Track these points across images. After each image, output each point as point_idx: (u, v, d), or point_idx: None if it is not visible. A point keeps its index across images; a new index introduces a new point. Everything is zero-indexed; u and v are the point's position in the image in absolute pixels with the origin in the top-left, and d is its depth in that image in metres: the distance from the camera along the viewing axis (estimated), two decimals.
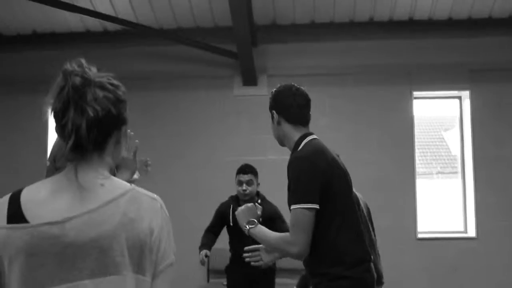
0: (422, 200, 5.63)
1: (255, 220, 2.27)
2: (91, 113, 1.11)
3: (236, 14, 4.71)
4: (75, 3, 5.20)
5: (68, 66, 1.17)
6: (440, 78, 5.45)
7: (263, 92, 5.52)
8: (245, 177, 3.83)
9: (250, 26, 5.10)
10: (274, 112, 2.28)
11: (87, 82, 1.14)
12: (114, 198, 1.14)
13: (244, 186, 3.80)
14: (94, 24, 5.63)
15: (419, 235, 5.40)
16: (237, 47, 5.16)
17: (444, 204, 6.60)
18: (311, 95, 6.04)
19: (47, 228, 1.08)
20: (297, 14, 5.39)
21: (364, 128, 5.47)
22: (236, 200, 3.90)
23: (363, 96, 5.50)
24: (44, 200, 1.13)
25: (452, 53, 5.40)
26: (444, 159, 9.14)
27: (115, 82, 1.21)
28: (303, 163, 2.10)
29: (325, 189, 2.07)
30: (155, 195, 1.22)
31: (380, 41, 5.44)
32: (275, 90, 2.37)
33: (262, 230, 2.23)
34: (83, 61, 1.20)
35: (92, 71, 1.18)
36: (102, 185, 1.16)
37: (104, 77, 1.19)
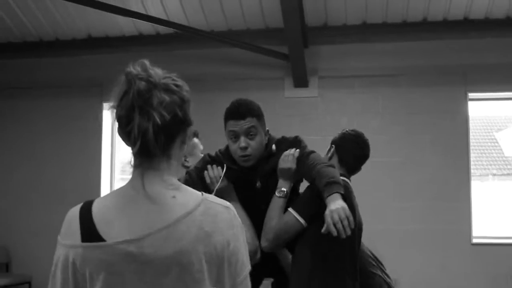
0: (477, 203, 5.54)
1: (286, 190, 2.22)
2: (158, 119, 1.08)
3: (288, 15, 4.76)
4: (128, 8, 5.37)
5: (131, 69, 1.13)
6: (497, 79, 5.34)
7: (314, 93, 5.57)
8: (241, 125, 2.16)
9: (302, 27, 5.14)
10: (333, 147, 2.45)
11: (152, 86, 1.11)
12: (189, 211, 1.11)
13: (243, 142, 2.17)
14: (146, 27, 5.78)
15: (474, 240, 5.31)
16: (289, 48, 5.21)
17: (499, 207, 6.46)
18: (363, 97, 6.13)
19: (124, 246, 1.07)
20: (348, 15, 5.39)
21: (417, 130, 5.42)
22: (230, 160, 2.30)
23: (416, 97, 5.45)
24: (117, 215, 1.11)
25: (510, 53, 5.29)
26: (497, 161, 8.92)
27: (179, 82, 1.18)
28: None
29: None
30: (227, 203, 1.19)
31: (434, 41, 5.38)
32: (346, 130, 2.52)
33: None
34: (146, 62, 1.16)
35: (157, 73, 1.15)
36: (173, 197, 1.13)
37: (169, 78, 1.16)
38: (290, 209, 2.16)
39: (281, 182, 2.25)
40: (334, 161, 2.41)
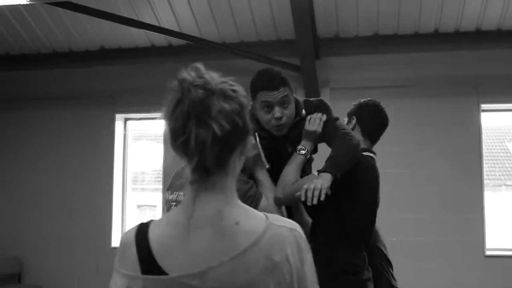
0: (490, 214, 5.52)
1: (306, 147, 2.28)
2: (217, 130, 0.99)
3: (300, 27, 4.81)
4: (141, 20, 5.44)
5: (185, 75, 1.04)
6: (509, 90, 5.35)
7: None
8: (275, 95, 2.15)
9: (313, 39, 5.18)
10: (354, 118, 2.51)
11: (209, 93, 1.02)
12: (255, 240, 1.01)
13: (278, 112, 2.17)
14: (159, 39, 5.85)
15: (488, 252, 5.29)
16: (300, 60, 5.24)
17: None
18: None
19: (187, 280, 0.99)
20: (360, 27, 5.42)
21: (429, 141, 5.42)
22: (258, 129, 2.30)
23: (428, 108, 5.46)
24: (177, 245, 1.02)
25: None
26: (510, 171, 8.88)
27: (236, 86, 1.08)
28: None
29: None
30: (292, 223, 1.10)
31: (446, 52, 5.40)
32: (363, 101, 2.60)
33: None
34: (201, 66, 1.07)
35: (213, 78, 1.05)
36: (237, 223, 1.03)
37: (225, 83, 1.06)
38: (315, 172, 2.20)
39: (304, 142, 2.30)
40: (357, 132, 2.45)
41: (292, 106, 2.23)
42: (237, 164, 1.09)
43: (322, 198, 2.00)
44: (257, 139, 2.29)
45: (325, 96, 5.63)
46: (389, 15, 5.22)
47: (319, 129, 2.29)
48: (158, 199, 7.88)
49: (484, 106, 5.46)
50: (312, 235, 2.27)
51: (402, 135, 5.48)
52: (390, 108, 5.47)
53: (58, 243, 6.03)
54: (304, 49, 5.09)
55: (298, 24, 4.83)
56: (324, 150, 2.35)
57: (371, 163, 2.40)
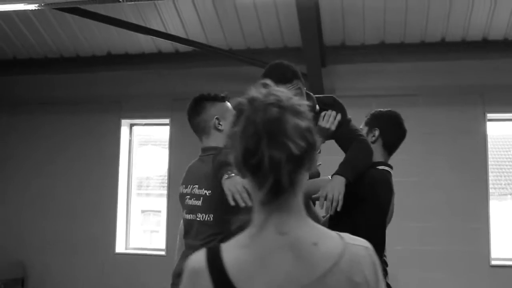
0: (496, 223, 5.50)
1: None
2: (294, 149, 0.96)
3: (306, 35, 4.83)
4: (148, 26, 5.47)
5: (256, 94, 1.00)
6: None
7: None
8: (289, 89, 2.10)
9: (320, 46, 5.19)
10: (378, 130, 2.44)
11: (283, 110, 0.98)
12: (335, 262, 0.98)
13: None
14: (166, 45, 5.88)
15: (493, 262, 5.27)
16: (307, 67, 5.26)
17: None
18: None
19: None
20: (366, 35, 5.43)
21: (436, 150, 5.42)
22: None
23: (434, 117, 5.46)
24: (256, 269, 0.97)
25: None
26: None
27: (301, 101, 1.03)
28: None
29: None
30: (364, 241, 1.07)
31: (452, 61, 5.40)
32: (384, 111, 2.54)
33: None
34: (269, 83, 1.03)
35: (284, 94, 1.01)
36: (315, 244, 1.00)
37: (293, 99, 1.02)
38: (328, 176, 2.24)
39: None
40: (378, 144, 2.42)
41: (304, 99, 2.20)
42: (304, 180, 1.06)
43: (339, 209, 2.05)
44: None
45: None
46: (396, 24, 5.24)
47: (333, 127, 2.31)
48: (163, 204, 7.89)
49: (490, 115, 5.45)
50: None
51: (408, 143, 5.44)
52: None
53: (63, 247, 6.03)
54: (311, 57, 5.11)
55: (304, 32, 4.85)
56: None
57: (386, 177, 2.38)
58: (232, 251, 1.01)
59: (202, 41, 5.57)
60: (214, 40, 5.62)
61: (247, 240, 1.02)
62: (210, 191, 2.35)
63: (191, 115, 2.52)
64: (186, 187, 2.48)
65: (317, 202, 2.39)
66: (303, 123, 0.99)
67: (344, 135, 2.30)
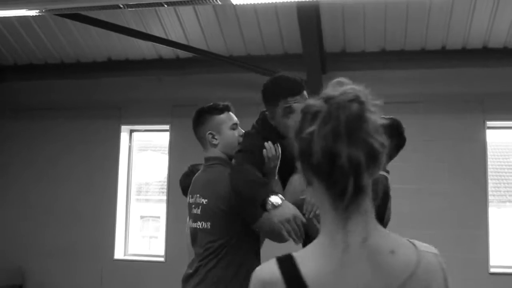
0: (495, 231, 5.50)
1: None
2: (376, 147, 0.93)
3: (307, 41, 4.84)
4: (149, 32, 5.48)
5: (332, 92, 0.96)
6: None
7: None
8: (300, 99, 2.20)
9: (320, 53, 5.21)
10: None
11: (364, 107, 0.95)
12: (413, 271, 0.96)
13: None
14: (166, 51, 5.89)
15: (492, 269, 5.27)
16: (307, 74, 5.27)
17: None
18: None
19: None
20: (367, 42, 5.46)
21: (435, 157, 5.43)
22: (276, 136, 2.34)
23: (434, 124, 5.47)
24: (334, 279, 0.93)
25: None
26: None
27: (375, 99, 0.99)
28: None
29: None
30: (432, 247, 1.05)
31: (453, 69, 5.42)
32: (387, 119, 2.50)
33: None
34: (345, 80, 1.00)
35: (361, 90, 0.98)
36: (392, 252, 0.96)
37: (369, 95, 0.98)
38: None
39: None
40: None
41: None
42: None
43: (318, 212, 2.04)
44: (279, 149, 2.30)
45: None
46: (396, 31, 5.26)
47: None
48: (162, 210, 7.89)
49: (489, 123, 5.47)
50: None
51: (408, 150, 5.45)
52: None
53: (61, 253, 6.01)
54: (311, 64, 5.12)
55: (305, 39, 4.87)
56: None
57: (383, 182, 2.41)
58: (308, 262, 0.95)
59: (203, 47, 5.59)
60: (214, 46, 5.64)
61: (322, 249, 0.97)
62: (206, 200, 2.45)
63: (193, 128, 2.62)
64: (192, 197, 2.58)
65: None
66: (379, 120, 0.96)
67: None
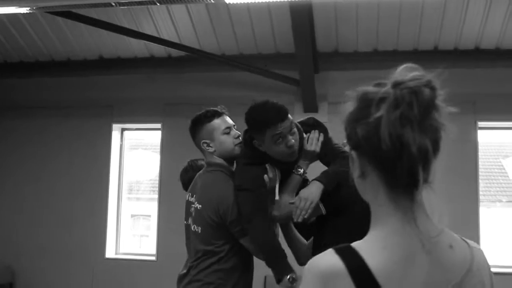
0: (485, 231, 5.53)
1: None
2: (442, 136, 0.93)
3: (300, 41, 4.84)
4: (141, 30, 5.45)
5: (402, 78, 0.93)
6: (506, 108, 5.39)
7: (324, 119, 5.55)
8: (285, 126, 2.22)
9: (313, 53, 5.21)
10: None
11: (435, 92, 0.93)
12: (469, 267, 0.95)
13: (291, 140, 2.23)
14: (158, 50, 5.86)
15: None
16: (300, 74, 5.27)
17: (507, 235, 6.46)
18: None
19: None
20: (360, 42, 5.47)
21: None
22: (274, 163, 2.38)
23: None
24: (399, 271, 0.90)
25: None
26: (504, 188, 8.94)
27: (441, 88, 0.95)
28: None
29: None
30: (475, 243, 1.04)
31: (445, 70, 5.43)
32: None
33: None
34: (413, 65, 0.97)
35: (430, 75, 0.96)
36: (451, 247, 0.96)
37: (436, 81, 0.95)
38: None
39: (301, 161, 2.38)
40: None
41: (296, 131, 2.29)
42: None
43: (306, 216, 2.17)
44: (277, 170, 2.38)
45: (323, 111, 5.66)
46: (389, 32, 5.27)
47: (318, 149, 2.36)
48: (153, 209, 7.88)
49: (481, 123, 5.50)
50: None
51: None
52: None
53: (52, 252, 5.98)
54: (303, 63, 5.12)
55: (298, 38, 4.86)
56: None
57: None
58: (372, 253, 0.91)
59: (195, 46, 5.57)
60: (206, 45, 5.62)
61: (383, 241, 0.93)
62: (201, 206, 2.51)
63: (192, 138, 2.67)
64: (191, 196, 2.63)
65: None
66: (447, 108, 0.95)
67: (328, 154, 2.38)
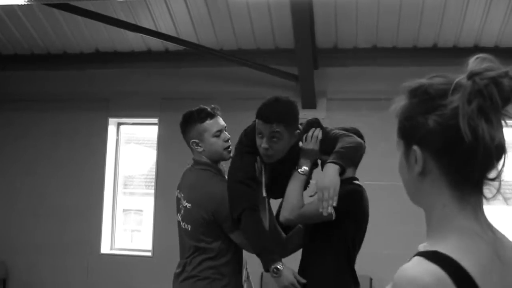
0: None
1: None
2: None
3: (300, 37, 4.89)
4: (138, 24, 5.49)
5: (477, 69, 0.92)
6: None
7: (322, 115, 5.66)
8: (267, 128, 2.27)
9: (312, 49, 5.26)
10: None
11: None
12: None
13: (265, 143, 2.29)
14: (156, 44, 5.90)
15: None
16: (299, 70, 5.33)
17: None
18: (371, 120, 6.20)
19: None
20: (359, 39, 5.53)
21: None
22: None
23: None
24: (488, 274, 0.87)
25: None
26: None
27: None
28: None
29: None
30: None
31: (444, 67, 5.47)
32: (349, 129, 2.68)
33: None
34: (487, 56, 0.95)
35: (507, 67, 0.91)
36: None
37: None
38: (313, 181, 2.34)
39: (302, 160, 2.40)
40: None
41: (283, 143, 2.30)
42: None
43: (335, 204, 2.11)
44: (262, 166, 2.44)
45: (322, 107, 5.72)
46: (388, 28, 5.33)
47: (316, 147, 2.39)
48: (145, 204, 7.95)
49: None
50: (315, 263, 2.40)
51: (393, 147, 5.55)
52: (387, 120, 5.59)
53: (47, 248, 6.02)
54: (303, 59, 5.18)
55: (298, 34, 4.91)
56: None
57: (364, 191, 2.47)
58: (463, 258, 0.86)
59: (193, 40, 5.61)
60: (205, 40, 5.66)
61: (466, 243, 0.89)
62: (190, 205, 2.57)
63: (181, 133, 2.75)
64: (179, 193, 2.70)
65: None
66: None
67: (331, 143, 2.36)
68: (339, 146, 2.30)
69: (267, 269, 2.31)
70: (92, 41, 6.01)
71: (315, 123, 2.45)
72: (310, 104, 5.68)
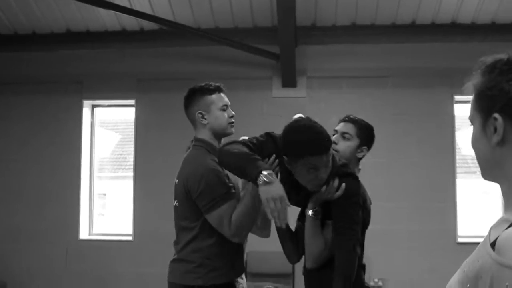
0: (462, 201, 6.00)
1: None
2: None
3: (283, 14, 5.04)
4: (111, 0, 5.51)
5: None
6: None
7: (302, 94, 5.95)
8: (323, 159, 2.24)
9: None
10: (366, 150, 2.79)
11: None
12: None
13: (324, 173, 2.30)
14: (130, 22, 6.03)
15: (459, 239, 5.81)
16: (280, 48, 5.57)
17: (484, 205, 6.96)
18: (351, 97, 6.54)
19: None
20: (338, 16, 5.80)
21: (404, 131, 5.90)
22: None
23: (403, 98, 5.92)
24: None
25: None
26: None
27: None
28: None
29: None
30: None
31: (422, 44, 5.84)
32: (370, 128, 2.85)
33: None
34: None
35: None
36: None
37: None
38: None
39: (312, 204, 2.43)
40: (356, 161, 2.70)
41: (331, 163, 2.28)
42: None
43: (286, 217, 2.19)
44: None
45: (302, 85, 6.00)
46: (367, 6, 5.63)
47: (332, 197, 2.37)
48: (110, 188, 8.10)
49: (457, 97, 5.94)
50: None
51: (377, 125, 5.79)
52: (367, 97, 5.89)
53: (25, 235, 6.17)
54: (285, 37, 5.38)
55: (281, 12, 5.04)
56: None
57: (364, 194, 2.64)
58: None
59: (169, 18, 5.75)
60: (181, 17, 5.81)
61: None
62: (178, 180, 2.74)
63: (184, 109, 2.85)
64: (177, 178, 2.82)
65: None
66: None
67: (336, 217, 2.37)
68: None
69: (256, 177, 2.12)
70: (62, 20, 6.09)
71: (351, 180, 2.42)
72: (291, 82, 5.94)
